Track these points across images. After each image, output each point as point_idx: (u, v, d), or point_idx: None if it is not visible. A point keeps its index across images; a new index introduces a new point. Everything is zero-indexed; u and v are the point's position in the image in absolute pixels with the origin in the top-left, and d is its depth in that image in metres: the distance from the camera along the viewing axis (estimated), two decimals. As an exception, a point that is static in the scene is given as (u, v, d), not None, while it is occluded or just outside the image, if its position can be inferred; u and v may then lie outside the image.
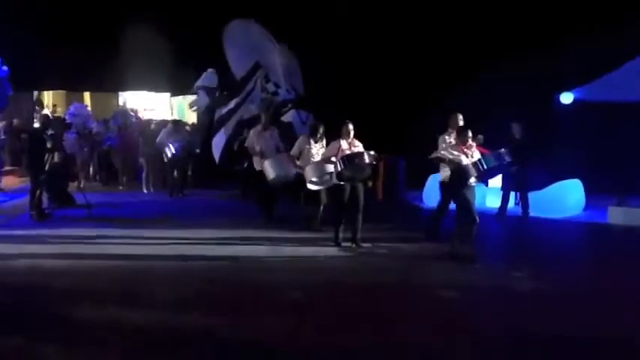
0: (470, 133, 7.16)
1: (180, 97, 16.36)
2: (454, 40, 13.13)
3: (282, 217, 9.43)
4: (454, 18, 13.31)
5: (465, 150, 7.09)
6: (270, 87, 12.47)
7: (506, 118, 10.41)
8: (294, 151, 8.76)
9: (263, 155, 9.32)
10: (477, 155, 7.14)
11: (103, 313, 5.12)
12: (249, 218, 9.66)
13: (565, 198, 10.55)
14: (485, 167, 6.97)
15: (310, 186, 8.29)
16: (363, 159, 7.43)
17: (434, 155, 7.33)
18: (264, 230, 8.70)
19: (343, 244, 7.69)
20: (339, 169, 7.41)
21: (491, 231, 9.83)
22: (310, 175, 8.23)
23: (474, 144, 7.29)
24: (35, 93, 17.73)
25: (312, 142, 8.60)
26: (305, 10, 13.66)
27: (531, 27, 12.57)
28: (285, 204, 9.83)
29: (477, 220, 6.97)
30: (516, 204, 10.54)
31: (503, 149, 7.32)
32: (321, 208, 8.66)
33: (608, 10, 11.88)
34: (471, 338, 4.64)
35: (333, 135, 8.54)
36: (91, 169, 14.71)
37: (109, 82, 16.53)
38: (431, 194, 11.85)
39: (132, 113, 15.31)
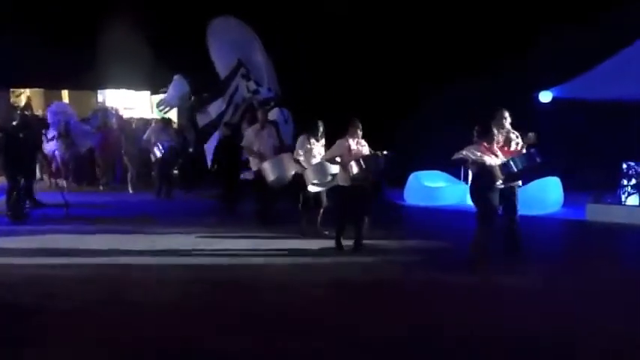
0: (496, 132, 6.65)
1: (161, 95, 16.23)
2: (433, 40, 13.18)
3: (276, 218, 9.13)
4: (434, 18, 13.36)
5: (491, 150, 6.57)
6: (251, 85, 12.42)
7: (485, 117, 10.46)
8: (295, 152, 8.29)
9: (261, 156, 8.98)
10: (502, 156, 6.66)
11: (84, 322, 4.97)
12: (239, 220, 9.50)
13: (544, 195, 10.66)
14: (516, 169, 6.53)
15: (312, 188, 7.93)
16: (381, 161, 7.19)
17: (456, 156, 6.74)
18: (258, 232, 8.45)
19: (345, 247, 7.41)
20: (354, 171, 7.09)
21: (472, 228, 9.90)
22: (312, 176, 7.85)
23: (498, 144, 6.76)
24: (24, 96, 17.51)
25: (313, 141, 8.19)
26: (282, 8, 13.65)
27: (510, 26, 12.67)
28: (282, 206, 9.49)
29: (492, 226, 6.60)
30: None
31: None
32: (322, 210, 8.28)
33: (585, 8, 12.01)
34: (451, 336, 4.66)
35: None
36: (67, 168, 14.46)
37: (88, 80, 16.32)
38: (412, 193, 11.95)
39: (112, 112, 15.14)
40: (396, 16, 13.66)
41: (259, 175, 8.88)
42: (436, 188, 11.94)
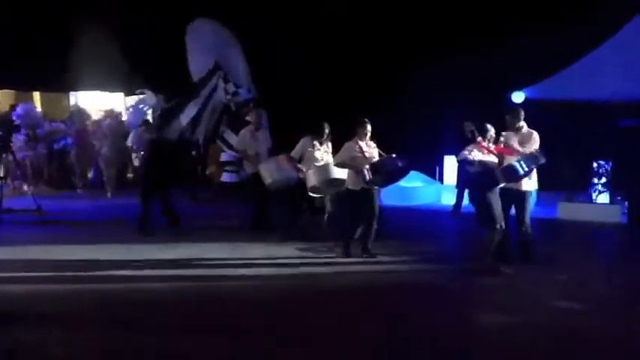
0: (493, 132, 6.49)
1: (135, 97, 16.07)
2: (406, 42, 13.30)
3: (269, 224, 8.63)
4: (405, 21, 13.48)
5: (489, 149, 6.44)
6: (230, 87, 12.38)
7: (458, 118, 10.59)
8: (296, 153, 7.87)
9: (258, 158, 8.42)
10: (507, 158, 6.51)
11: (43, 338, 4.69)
12: (231, 227, 9.07)
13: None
14: (522, 172, 6.35)
15: (311, 193, 7.55)
16: (397, 163, 6.82)
17: (460, 157, 6.56)
18: (240, 240, 8.02)
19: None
20: (369, 176, 6.71)
21: (447, 227, 10.05)
22: (313, 180, 7.44)
23: (498, 144, 6.56)
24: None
25: (316, 144, 7.78)
26: (254, 8, 13.66)
27: (482, 27, 12.84)
28: (280, 212, 8.86)
29: (502, 227, 6.37)
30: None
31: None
32: (326, 216, 7.83)
33: (556, 10, 12.23)
34: (423, 337, 4.72)
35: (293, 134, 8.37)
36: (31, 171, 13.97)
37: (60, 82, 16.03)
38: (388, 193, 12.01)
39: (87, 113, 14.80)
40: (365, 18, 13.75)
41: (255, 178, 8.32)
42: (412, 188, 12.05)
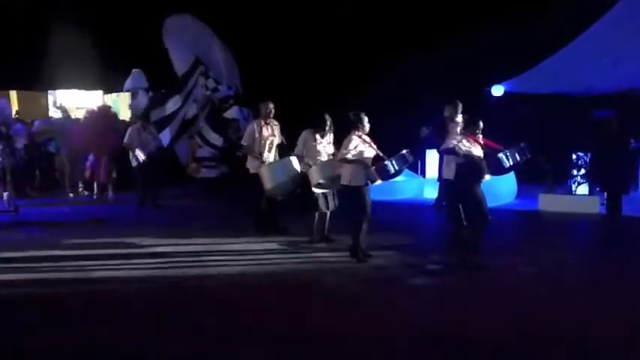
0: (481, 124, 6.45)
1: (114, 94, 15.90)
2: (385, 32, 13.36)
3: (281, 227, 8.29)
4: (385, 13, 13.54)
5: (477, 141, 6.36)
6: (210, 83, 12.33)
7: (438, 111, 10.66)
8: (299, 149, 7.50)
9: (261, 157, 7.92)
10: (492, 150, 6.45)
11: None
12: (239, 228, 8.54)
13: (498, 187, 10.94)
14: (509, 164, 6.33)
15: (315, 189, 7.19)
16: (408, 160, 6.62)
17: (445, 147, 6.50)
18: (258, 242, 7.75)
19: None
20: (375, 173, 6.47)
21: (429, 221, 10.11)
22: (318, 175, 7.07)
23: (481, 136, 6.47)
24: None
25: (317, 137, 7.43)
26: (236, 6, 13.63)
27: (463, 22, 12.94)
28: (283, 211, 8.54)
29: (489, 219, 6.33)
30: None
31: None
32: (328, 214, 7.51)
33: (534, 5, 12.37)
34: (404, 332, 4.76)
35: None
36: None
37: (38, 81, 15.84)
38: (370, 187, 12.05)
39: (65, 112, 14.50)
40: (353, 14, 13.79)
41: (256, 179, 7.78)
42: (394, 182, 12.06)
